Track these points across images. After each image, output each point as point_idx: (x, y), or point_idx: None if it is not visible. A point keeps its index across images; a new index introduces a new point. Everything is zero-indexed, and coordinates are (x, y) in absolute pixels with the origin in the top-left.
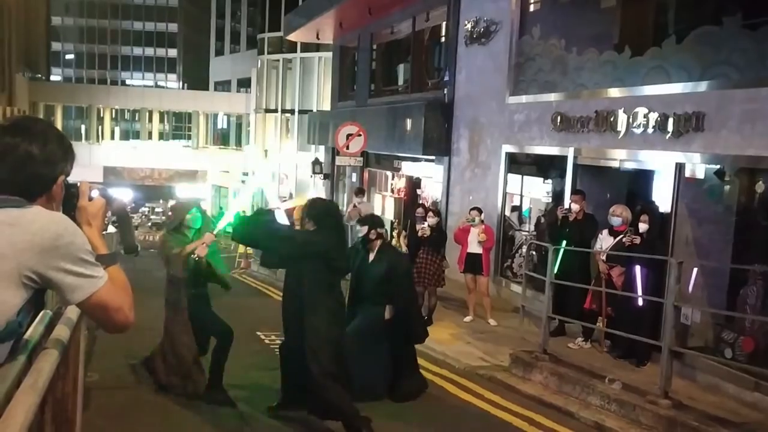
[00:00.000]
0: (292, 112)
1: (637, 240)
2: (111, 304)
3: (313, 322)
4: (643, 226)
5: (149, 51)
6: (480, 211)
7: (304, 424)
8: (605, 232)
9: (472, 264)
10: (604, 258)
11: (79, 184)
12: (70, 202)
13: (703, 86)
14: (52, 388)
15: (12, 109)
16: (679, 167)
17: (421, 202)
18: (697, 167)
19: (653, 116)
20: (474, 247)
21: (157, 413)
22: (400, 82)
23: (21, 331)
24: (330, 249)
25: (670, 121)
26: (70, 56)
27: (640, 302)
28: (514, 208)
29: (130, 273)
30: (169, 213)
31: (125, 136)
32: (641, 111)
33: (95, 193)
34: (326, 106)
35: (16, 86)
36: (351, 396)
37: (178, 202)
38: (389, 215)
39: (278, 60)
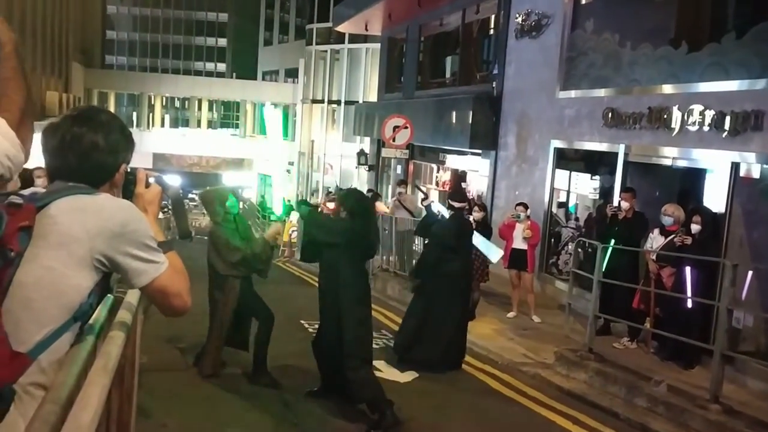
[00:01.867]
0: (338, 102)
1: (688, 240)
2: (171, 289)
3: (349, 306)
4: (695, 227)
5: (200, 40)
6: (526, 206)
7: (343, 409)
8: (656, 231)
9: (517, 260)
10: (654, 258)
11: (136, 172)
12: (128, 189)
13: (762, 83)
14: (118, 367)
15: (68, 95)
16: (735, 167)
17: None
18: (753, 167)
19: (709, 114)
20: (519, 243)
21: (203, 398)
22: (448, 74)
23: (91, 312)
24: (363, 234)
25: (727, 119)
26: (123, 44)
27: (690, 304)
28: (560, 204)
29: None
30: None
31: (175, 123)
32: (697, 108)
33: (151, 180)
34: (372, 97)
35: (72, 73)
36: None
37: (207, 190)
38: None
39: (326, 51)
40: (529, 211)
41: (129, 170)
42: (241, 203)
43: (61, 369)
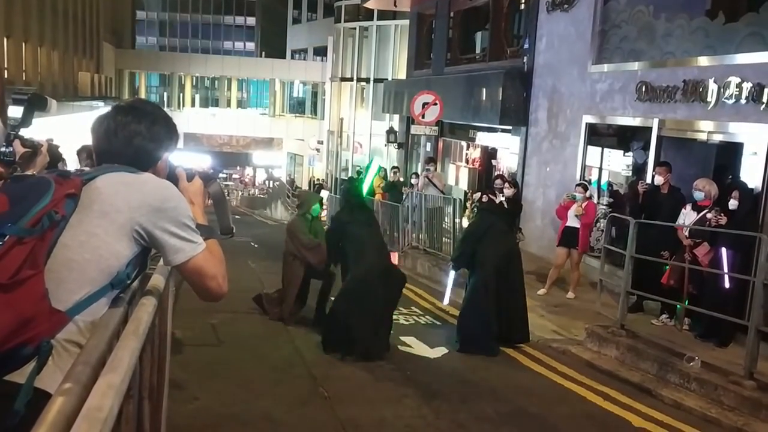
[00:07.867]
0: (367, 80)
1: (723, 221)
2: (207, 271)
3: None
4: (733, 203)
5: (228, 19)
6: (585, 188)
7: (373, 382)
8: (689, 206)
9: (569, 238)
10: (686, 234)
11: (175, 170)
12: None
13: None
14: (149, 335)
15: (99, 75)
16: None
17: (498, 173)
18: None
19: (747, 86)
20: (571, 221)
21: (235, 372)
22: (478, 50)
23: (128, 282)
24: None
25: (766, 91)
26: (153, 25)
27: (727, 284)
28: (588, 182)
29: None
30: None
31: (205, 103)
32: (734, 81)
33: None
34: (402, 74)
35: (104, 54)
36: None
37: (305, 191)
38: (463, 185)
39: (355, 28)
40: (588, 192)
41: (173, 166)
42: (271, 182)
43: (94, 333)
